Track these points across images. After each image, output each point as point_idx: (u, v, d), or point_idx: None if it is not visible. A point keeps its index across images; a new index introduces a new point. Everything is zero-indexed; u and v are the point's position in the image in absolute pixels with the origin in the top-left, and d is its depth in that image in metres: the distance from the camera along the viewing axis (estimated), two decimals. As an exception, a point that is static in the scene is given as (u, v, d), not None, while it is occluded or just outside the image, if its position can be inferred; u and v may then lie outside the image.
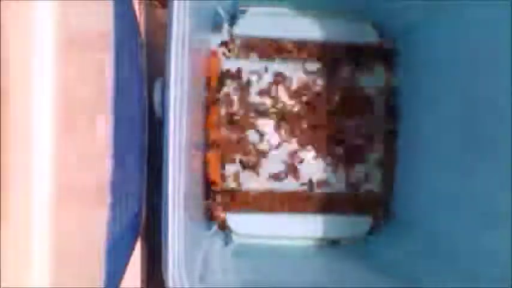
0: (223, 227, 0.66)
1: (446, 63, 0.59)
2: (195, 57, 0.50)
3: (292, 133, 0.68)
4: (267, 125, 0.68)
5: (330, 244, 0.68)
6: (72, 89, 0.25)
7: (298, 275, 0.60)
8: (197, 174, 0.60)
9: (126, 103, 0.43)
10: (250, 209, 0.67)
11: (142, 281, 0.56)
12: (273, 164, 0.68)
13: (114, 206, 0.36)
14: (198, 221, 0.61)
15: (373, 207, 0.69)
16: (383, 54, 0.69)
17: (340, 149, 0.69)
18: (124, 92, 0.40)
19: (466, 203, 0.53)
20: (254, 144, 0.68)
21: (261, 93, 0.68)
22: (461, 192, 0.54)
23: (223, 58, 0.67)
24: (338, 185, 0.69)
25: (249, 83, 0.68)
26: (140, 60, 0.54)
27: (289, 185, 0.68)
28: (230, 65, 0.67)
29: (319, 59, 0.69)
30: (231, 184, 0.67)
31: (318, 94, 0.69)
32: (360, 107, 0.69)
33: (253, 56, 0.68)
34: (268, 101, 0.68)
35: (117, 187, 0.36)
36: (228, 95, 0.67)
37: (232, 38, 0.67)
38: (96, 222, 0.32)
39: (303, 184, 0.68)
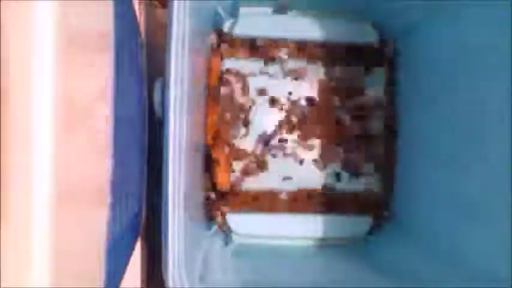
0: (223, 227, 0.66)
1: (446, 63, 0.59)
2: (195, 57, 0.50)
3: (292, 133, 0.68)
4: (267, 125, 0.68)
5: (330, 244, 0.68)
6: (72, 89, 0.25)
7: (298, 275, 0.60)
8: (197, 174, 0.60)
9: (126, 103, 0.43)
10: (250, 209, 0.67)
11: (142, 281, 0.56)
12: (273, 163, 0.68)
13: (114, 206, 0.36)
14: (198, 221, 0.61)
15: (373, 207, 0.69)
16: (383, 54, 0.69)
17: (340, 148, 0.69)
18: (124, 92, 0.40)
19: (466, 203, 0.53)
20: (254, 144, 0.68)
21: (261, 93, 0.68)
22: (461, 193, 0.54)
23: (223, 58, 0.67)
24: (338, 185, 0.69)
25: (249, 83, 0.68)
26: (140, 60, 0.54)
27: (290, 185, 0.68)
28: (230, 65, 0.67)
29: (319, 59, 0.69)
30: (239, 185, 0.67)
31: (318, 94, 0.69)
32: (360, 107, 0.69)
33: (253, 56, 0.68)
34: (268, 101, 0.68)
35: (117, 187, 0.36)
36: (228, 95, 0.67)
37: (232, 38, 0.67)
38: (96, 222, 0.32)
39: (303, 184, 0.68)
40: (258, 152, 0.68)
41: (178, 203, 0.44)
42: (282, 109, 0.68)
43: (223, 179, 0.65)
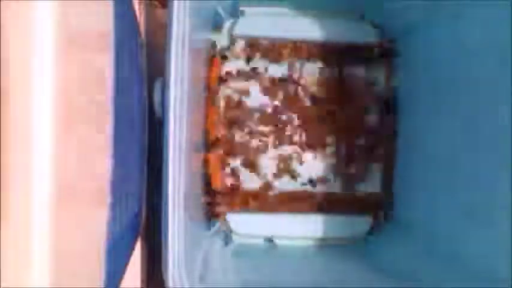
0: (223, 227, 0.66)
1: (446, 63, 0.59)
2: (195, 57, 0.50)
3: (292, 133, 0.68)
4: (267, 124, 0.68)
5: (330, 244, 0.68)
6: (72, 89, 0.25)
7: (298, 275, 0.60)
8: (197, 174, 0.60)
9: (126, 103, 0.43)
10: (250, 209, 0.67)
11: (142, 281, 0.56)
12: (273, 163, 0.68)
13: (114, 206, 0.36)
14: (198, 221, 0.61)
15: (373, 207, 0.69)
16: (383, 54, 0.69)
17: (340, 148, 0.69)
18: (124, 92, 0.40)
19: (466, 203, 0.53)
20: (254, 144, 0.68)
21: (261, 93, 0.68)
22: (461, 193, 0.54)
23: (223, 58, 0.67)
24: (338, 185, 0.69)
25: (249, 83, 0.68)
26: (140, 60, 0.54)
27: (289, 185, 0.68)
28: (230, 65, 0.67)
29: (319, 59, 0.69)
30: (234, 184, 0.67)
31: (318, 94, 0.69)
32: (360, 107, 0.69)
33: (253, 56, 0.68)
34: (268, 101, 0.68)
35: (117, 187, 0.36)
36: (228, 95, 0.67)
37: (232, 38, 0.67)
38: (96, 222, 0.32)
39: (303, 184, 0.68)
40: (258, 152, 0.68)
41: (178, 203, 0.43)
42: (282, 109, 0.68)
43: (217, 179, 0.65)
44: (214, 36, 0.67)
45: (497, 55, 0.48)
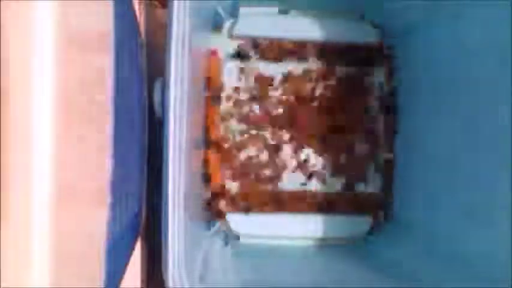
0: (223, 227, 0.66)
1: (446, 63, 0.59)
2: (195, 57, 0.50)
3: (292, 133, 0.68)
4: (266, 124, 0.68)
5: (330, 244, 0.68)
6: (72, 89, 0.25)
7: (298, 275, 0.60)
8: (197, 174, 0.60)
9: (126, 103, 0.43)
10: (251, 209, 0.67)
11: (142, 281, 0.56)
12: (273, 163, 0.68)
13: (114, 206, 0.36)
14: (198, 221, 0.61)
15: (373, 207, 0.69)
16: (383, 54, 0.69)
17: (340, 149, 0.69)
18: (124, 92, 0.40)
19: (466, 203, 0.53)
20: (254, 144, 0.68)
21: (262, 93, 0.68)
22: (461, 193, 0.54)
23: (223, 58, 0.67)
24: (338, 185, 0.69)
25: (248, 82, 0.68)
26: (140, 60, 0.54)
27: (290, 185, 0.68)
28: (230, 65, 0.67)
29: (319, 59, 0.69)
30: (231, 184, 0.67)
31: (318, 94, 0.69)
32: (360, 107, 0.69)
33: (253, 56, 0.68)
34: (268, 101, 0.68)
35: (117, 187, 0.36)
36: (228, 95, 0.67)
37: (232, 38, 0.67)
38: (96, 222, 0.32)
39: (302, 184, 0.68)
40: (258, 152, 0.68)
41: (178, 203, 0.43)
42: (281, 109, 0.68)
43: (217, 179, 0.65)
44: (214, 36, 0.67)
45: (497, 55, 0.48)
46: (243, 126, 0.68)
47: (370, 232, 0.68)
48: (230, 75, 0.68)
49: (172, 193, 0.43)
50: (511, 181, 0.45)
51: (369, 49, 0.69)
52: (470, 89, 0.54)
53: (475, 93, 0.53)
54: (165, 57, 0.44)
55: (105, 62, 0.33)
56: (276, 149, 0.68)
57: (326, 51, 0.68)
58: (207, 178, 0.65)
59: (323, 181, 0.69)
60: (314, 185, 0.68)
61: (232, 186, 0.67)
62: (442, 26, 0.59)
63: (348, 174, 0.69)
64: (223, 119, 0.67)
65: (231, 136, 0.67)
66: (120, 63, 0.37)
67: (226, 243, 0.65)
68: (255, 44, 0.67)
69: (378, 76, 0.70)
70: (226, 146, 0.67)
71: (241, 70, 0.68)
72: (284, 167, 0.68)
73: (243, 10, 0.67)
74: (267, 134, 0.68)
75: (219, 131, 0.66)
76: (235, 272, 0.58)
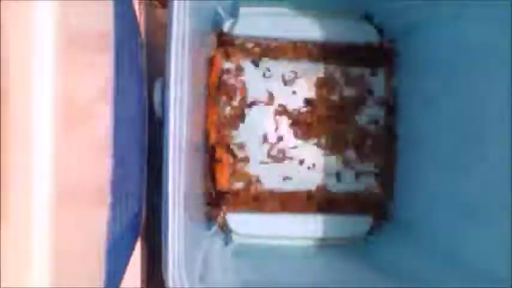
0: (223, 227, 0.66)
1: (446, 63, 0.59)
2: (195, 57, 0.50)
3: (291, 133, 0.68)
4: (266, 125, 0.68)
5: (330, 244, 0.68)
6: (72, 89, 0.25)
7: (298, 275, 0.60)
8: (197, 174, 0.60)
9: (126, 103, 0.43)
10: (250, 209, 0.67)
11: (142, 281, 0.56)
12: (273, 164, 0.68)
13: (114, 206, 0.36)
14: (198, 221, 0.61)
15: (373, 207, 0.69)
16: (383, 54, 0.69)
17: (340, 148, 0.69)
18: (124, 92, 0.40)
19: (466, 203, 0.53)
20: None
21: (261, 93, 0.68)
22: (461, 193, 0.54)
23: (223, 58, 0.67)
24: (338, 185, 0.69)
25: (249, 82, 0.68)
26: (140, 60, 0.54)
27: (290, 184, 0.68)
28: (230, 65, 0.67)
29: (319, 59, 0.69)
30: (237, 184, 0.67)
31: (318, 94, 0.69)
32: (360, 107, 0.69)
33: (253, 56, 0.68)
34: (268, 101, 0.68)
35: (117, 187, 0.36)
36: (228, 95, 0.67)
37: (232, 38, 0.67)
38: (96, 222, 0.32)
39: (303, 184, 0.68)
40: (258, 152, 0.68)
41: (178, 203, 0.44)
42: (281, 109, 0.68)
43: (224, 179, 0.65)
44: (214, 36, 0.67)
45: (497, 55, 0.48)
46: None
47: (370, 232, 0.68)
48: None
49: (172, 193, 0.43)
50: (511, 181, 0.45)
51: (369, 49, 0.69)
52: (470, 89, 0.54)
53: (475, 93, 0.53)
54: (165, 57, 0.44)
55: (105, 62, 0.33)
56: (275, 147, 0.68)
57: (326, 51, 0.68)
58: (207, 178, 0.65)
59: (323, 181, 0.69)
60: (314, 185, 0.68)
61: (233, 186, 0.67)
62: (442, 26, 0.59)
63: (347, 173, 0.69)
64: (223, 119, 0.67)
65: (230, 138, 0.67)
66: (120, 63, 0.37)
67: (226, 243, 0.65)
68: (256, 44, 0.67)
69: (378, 76, 0.70)
70: (225, 146, 0.67)
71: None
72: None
73: (243, 10, 0.67)
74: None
75: (219, 132, 0.66)
76: (235, 272, 0.58)
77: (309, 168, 0.68)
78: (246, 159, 0.67)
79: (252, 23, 0.67)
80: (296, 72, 0.68)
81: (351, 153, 0.69)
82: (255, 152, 0.67)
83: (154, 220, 0.49)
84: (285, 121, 0.68)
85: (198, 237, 0.58)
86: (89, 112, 0.29)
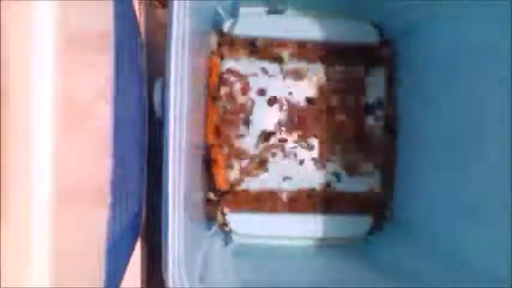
0: (223, 227, 0.66)
1: (446, 63, 0.59)
2: (195, 57, 0.50)
3: (291, 133, 0.68)
4: (266, 125, 0.68)
5: (330, 244, 0.68)
6: (72, 89, 0.25)
7: (298, 275, 0.60)
8: (197, 174, 0.60)
9: (126, 103, 0.43)
10: (250, 209, 0.67)
11: (142, 281, 0.56)
12: (273, 163, 0.68)
13: (114, 206, 0.36)
14: (198, 221, 0.61)
15: (373, 207, 0.69)
16: (383, 54, 0.69)
17: (340, 149, 0.69)
18: (124, 92, 0.40)
19: (466, 203, 0.53)
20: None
21: (261, 93, 0.68)
22: (461, 193, 0.54)
23: (223, 58, 0.67)
24: (338, 185, 0.69)
25: (249, 83, 0.68)
26: (140, 60, 0.54)
27: (289, 184, 0.68)
28: (230, 65, 0.67)
29: (319, 59, 0.69)
30: (234, 184, 0.67)
31: (318, 94, 0.69)
32: (360, 107, 0.69)
33: (253, 56, 0.68)
34: (268, 101, 0.68)
35: (117, 187, 0.36)
36: (228, 95, 0.67)
37: (232, 38, 0.67)
38: (96, 222, 0.32)
39: (303, 184, 0.68)
40: (258, 152, 0.68)
41: (178, 203, 0.44)
42: (281, 109, 0.68)
43: (221, 179, 0.65)
44: (214, 36, 0.67)
45: (497, 55, 0.48)
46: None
47: (370, 232, 0.68)
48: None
49: (172, 193, 0.43)
50: (511, 181, 0.45)
51: (369, 49, 0.69)
52: (470, 89, 0.54)
53: (475, 93, 0.53)
54: (165, 57, 0.44)
55: (105, 62, 0.33)
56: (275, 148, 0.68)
57: (326, 51, 0.68)
58: (207, 178, 0.65)
59: (323, 181, 0.69)
60: (313, 185, 0.68)
61: (232, 186, 0.67)
62: (442, 26, 0.59)
63: (347, 174, 0.69)
64: (223, 119, 0.67)
65: (231, 137, 0.67)
66: (120, 63, 0.37)
67: (226, 243, 0.65)
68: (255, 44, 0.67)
69: (378, 76, 0.70)
70: (225, 146, 0.67)
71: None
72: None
73: (243, 10, 0.67)
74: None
75: (219, 131, 0.66)
76: (235, 272, 0.58)
77: (309, 168, 0.68)
78: (246, 159, 0.67)
79: (252, 23, 0.67)
80: (296, 72, 0.68)
81: (351, 153, 0.69)
82: (255, 151, 0.67)
83: (154, 220, 0.49)
84: (285, 121, 0.68)
85: (198, 237, 0.58)
86: (89, 112, 0.29)
